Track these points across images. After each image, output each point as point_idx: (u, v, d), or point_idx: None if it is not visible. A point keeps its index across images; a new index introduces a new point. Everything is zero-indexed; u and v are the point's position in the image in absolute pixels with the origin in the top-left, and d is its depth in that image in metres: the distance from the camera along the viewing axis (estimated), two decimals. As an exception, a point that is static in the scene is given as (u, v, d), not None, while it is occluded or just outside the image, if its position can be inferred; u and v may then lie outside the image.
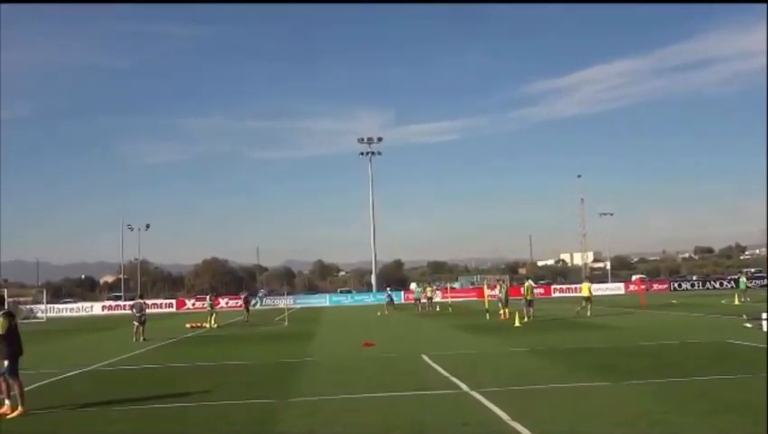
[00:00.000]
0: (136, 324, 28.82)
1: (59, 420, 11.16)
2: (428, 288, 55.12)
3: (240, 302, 46.23)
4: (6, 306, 12.58)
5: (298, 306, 68.10)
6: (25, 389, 11.87)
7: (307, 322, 38.77)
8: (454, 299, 55.07)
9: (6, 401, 11.90)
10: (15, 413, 11.54)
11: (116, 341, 28.54)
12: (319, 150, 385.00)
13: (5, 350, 11.79)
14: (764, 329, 21.70)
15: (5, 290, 47.87)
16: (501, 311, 33.35)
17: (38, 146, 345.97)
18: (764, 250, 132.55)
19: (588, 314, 33.62)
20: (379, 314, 45.33)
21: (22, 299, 71.12)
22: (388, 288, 62.37)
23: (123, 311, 65.28)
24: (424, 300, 49.10)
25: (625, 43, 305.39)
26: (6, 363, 11.78)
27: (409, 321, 36.73)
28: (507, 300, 34.44)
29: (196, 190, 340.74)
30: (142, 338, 27.90)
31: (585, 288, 37.15)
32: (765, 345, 17.61)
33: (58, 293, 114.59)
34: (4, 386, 11.90)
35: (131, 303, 36.43)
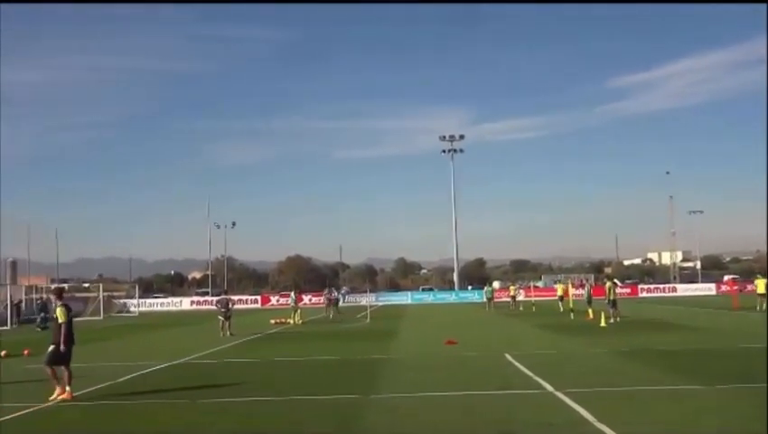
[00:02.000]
0: (222, 319, 29.49)
1: (149, 409, 11.54)
2: (512, 287, 54.58)
3: (323, 299, 46.69)
4: (63, 299, 13.47)
5: (380, 303, 68.44)
6: (120, 379, 12.40)
7: (389, 319, 38.92)
8: (537, 298, 54.28)
9: (67, 387, 12.68)
10: (62, 396, 12.44)
11: (203, 335, 29.30)
12: (401, 148, 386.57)
13: (58, 338, 12.72)
14: None
15: (66, 285, 50.00)
16: (563, 308, 32.82)
17: (131, 147, 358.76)
18: None
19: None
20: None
21: (116, 294, 73.95)
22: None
23: (210, 306, 66.92)
24: (509, 299, 48.85)
25: (718, 34, 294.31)
26: (52, 347, 12.67)
27: (492, 320, 36.43)
28: (590, 300, 33.93)
29: (280, 189, 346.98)
30: (228, 333, 28.53)
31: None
32: None
33: (149, 288, 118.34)
34: (50, 371, 12.71)
35: (216, 299, 37.31)
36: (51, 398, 12.35)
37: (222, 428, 9.95)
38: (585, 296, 34.78)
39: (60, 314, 12.86)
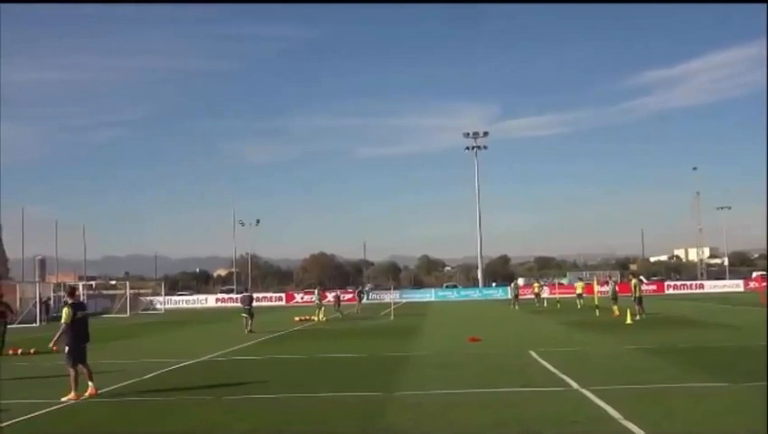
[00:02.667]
0: (246, 316, 29.74)
1: (176, 405, 11.68)
2: (536, 284, 54.31)
3: (352, 296, 47.00)
4: (75, 299, 13.65)
5: (404, 300, 68.41)
6: (147, 376, 12.49)
7: (412, 316, 38.92)
8: (562, 295, 53.97)
9: (89, 383, 12.74)
10: (69, 396, 12.31)
11: (228, 332, 29.50)
12: (424, 146, 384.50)
13: (67, 338, 12.78)
14: None
15: (80, 284, 50.60)
16: (580, 305, 32.72)
17: (156, 147, 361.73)
18: None
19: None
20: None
21: (142, 291, 74.68)
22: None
23: (234, 304, 67.28)
24: (533, 296, 48.66)
25: (745, 28, 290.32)
26: (67, 349, 12.73)
27: (516, 317, 36.29)
28: (615, 297, 33.83)
29: (304, 186, 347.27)
30: (250, 329, 28.75)
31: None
32: None
33: (174, 286, 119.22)
34: (73, 373, 12.69)
35: (239, 296, 37.65)
36: (64, 399, 12.25)
37: (248, 425, 10.00)
38: (611, 293, 34.58)
39: (63, 314, 12.95)
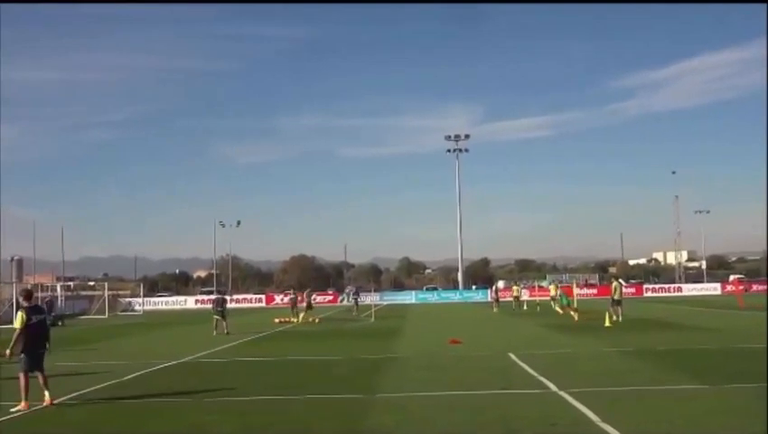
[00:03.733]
0: (217, 318, 29.70)
1: (156, 407, 11.59)
2: (515, 287, 54.51)
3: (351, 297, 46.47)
4: (31, 302, 12.75)
5: (384, 302, 68.43)
6: (126, 378, 12.28)
7: (393, 319, 38.94)
8: (542, 298, 54.24)
9: (45, 392, 11.92)
10: (19, 406, 11.54)
11: (207, 334, 29.29)
12: (407, 147, 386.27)
13: (21, 344, 11.97)
14: None
15: (58, 286, 50.07)
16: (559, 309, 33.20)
17: (138, 147, 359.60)
18: None
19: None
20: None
21: (121, 293, 74.15)
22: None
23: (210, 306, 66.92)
24: (512, 298, 49.01)
25: (729, 32, 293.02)
26: (23, 356, 11.95)
27: (496, 319, 36.41)
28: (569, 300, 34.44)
29: (285, 188, 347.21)
30: (225, 331, 28.63)
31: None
32: None
33: (154, 287, 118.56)
34: (23, 380, 11.86)
35: (212, 298, 37.47)
36: (14, 409, 11.46)
37: (229, 427, 9.96)
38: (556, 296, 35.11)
39: (17, 318, 12.12)
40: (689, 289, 76.02)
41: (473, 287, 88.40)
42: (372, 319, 37.75)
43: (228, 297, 35.09)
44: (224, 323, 29.34)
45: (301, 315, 38.06)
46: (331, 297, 76.57)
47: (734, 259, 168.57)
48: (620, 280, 36.07)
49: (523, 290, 57.55)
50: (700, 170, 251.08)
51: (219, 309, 29.93)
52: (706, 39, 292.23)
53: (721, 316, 33.27)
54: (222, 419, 10.55)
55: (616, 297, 31.32)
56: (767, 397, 10.52)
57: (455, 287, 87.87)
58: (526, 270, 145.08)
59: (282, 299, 72.80)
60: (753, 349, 18.27)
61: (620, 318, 30.14)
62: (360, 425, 9.88)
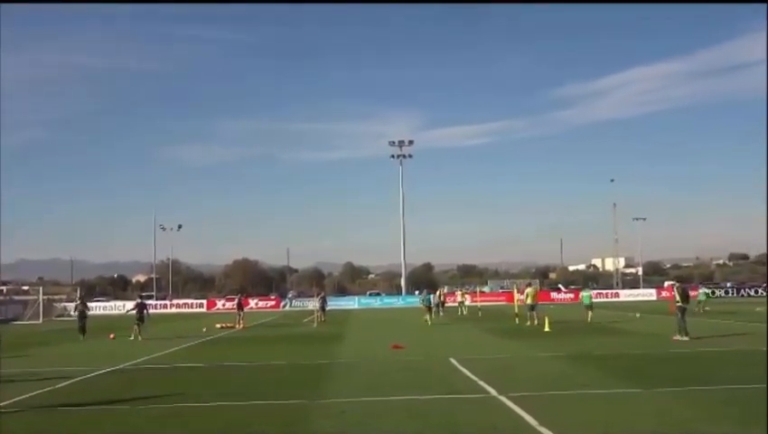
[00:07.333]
0: (137, 324, 29.74)
1: (91, 415, 11.35)
2: (459, 292, 54.89)
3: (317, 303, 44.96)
4: None
5: (327, 308, 68.10)
6: (59, 385, 11.89)
7: (336, 324, 38.88)
8: (483, 303, 54.78)
9: None
10: None
11: (145, 340, 28.82)
12: (350, 152, 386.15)
13: None
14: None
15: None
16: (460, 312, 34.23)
17: (75, 147, 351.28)
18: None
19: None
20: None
21: (56, 297, 72.25)
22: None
23: (153, 310, 65.67)
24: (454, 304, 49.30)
25: (662, 46, 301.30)
26: None
27: (438, 325, 36.64)
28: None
29: (227, 191, 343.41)
30: (138, 338, 28.76)
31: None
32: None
33: (92, 291, 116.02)
34: None
35: (133, 304, 36.89)
36: None
37: (166, 434, 9.83)
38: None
39: None
40: (627, 295, 77.69)
41: (416, 292, 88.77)
42: (315, 325, 37.60)
43: (147, 302, 34.79)
44: (138, 328, 29.51)
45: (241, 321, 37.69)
46: (273, 302, 75.97)
47: (668, 265, 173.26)
48: (535, 287, 38.25)
49: (466, 295, 58.05)
50: (639, 179, 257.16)
51: (138, 315, 30.06)
52: (646, 50, 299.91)
53: (655, 321, 34.11)
54: (162, 425, 10.41)
55: (530, 302, 33.69)
56: (767, 397, 10.91)
57: (399, 293, 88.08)
58: (468, 276, 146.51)
59: (223, 304, 72.04)
60: (683, 353, 18.87)
61: (536, 322, 31.98)
62: (299, 430, 9.88)
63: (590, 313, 35.70)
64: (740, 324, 30.81)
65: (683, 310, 23.50)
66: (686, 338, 22.49)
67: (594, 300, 37.07)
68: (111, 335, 30.16)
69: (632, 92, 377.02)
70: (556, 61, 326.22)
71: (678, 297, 24.10)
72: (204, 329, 36.11)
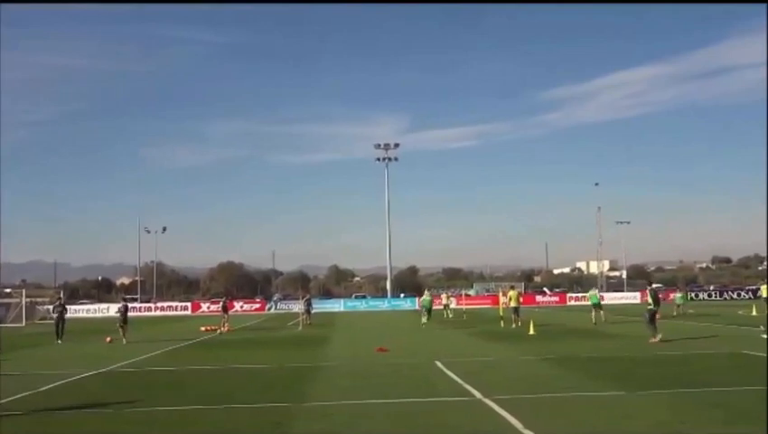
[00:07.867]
0: (121, 326, 30.01)
1: (74, 419, 11.25)
2: (444, 295, 55.00)
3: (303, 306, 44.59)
4: None
5: (313, 310, 67.99)
6: (42, 388, 11.82)
7: (321, 327, 38.80)
8: (468, 306, 54.86)
9: None
10: None
11: (129, 343, 28.68)
12: (336, 155, 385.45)
13: None
14: (764, 337, 22.27)
15: None
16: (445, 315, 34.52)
17: (59, 148, 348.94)
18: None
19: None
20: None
21: (39, 300, 71.66)
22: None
23: (137, 313, 65.39)
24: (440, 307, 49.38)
25: (647, 50, 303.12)
26: None
27: (423, 327, 36.66)
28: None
29: (213, 194, 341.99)
30: (124, 341, 28.85)
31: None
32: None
33: (75, 294, 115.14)
34: None
35: (118, 306, 36.83)
36: None
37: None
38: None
39: None
40: (611, 298, 77.95)
41: (402, 295, 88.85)
42: (300, 328, 37.53)
43: (129, 305, 34.92)
44: (122, 331, 29.66)
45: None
46: (258, 305, 75.77)
47: (652, 268, 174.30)
48: (519, 290, 39.12)
49: (451, 298, 58.14)
50: (623, 182, 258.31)
51: (121, 317, 30.33)
52: (625, 55, 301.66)
53: (639, 324, 34.23)
54: (145, 429, 10.34)
55: (513, 305, 34.25)
56: (767, 398, 10.97)
57: (384, 296, 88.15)
58: (454, 279, 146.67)
59: (208, 307, 71.77)
60: (667, 356, 18.96)
61: (519, 325, 32.48)
62: (284, 433, 9.82)
63: (601, 312, 36.05)
64: (729, 326, 30.99)
65: (653, 313, 23.79)
66: (656, 339, 22.75)
67: (588, 303, 37.75)
68: (108, 339, 30.00)
69: (617, 96, 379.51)
70: (541, 64, 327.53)
71: (650, 300, 24.39)
72: (203, 328, 36.15)
